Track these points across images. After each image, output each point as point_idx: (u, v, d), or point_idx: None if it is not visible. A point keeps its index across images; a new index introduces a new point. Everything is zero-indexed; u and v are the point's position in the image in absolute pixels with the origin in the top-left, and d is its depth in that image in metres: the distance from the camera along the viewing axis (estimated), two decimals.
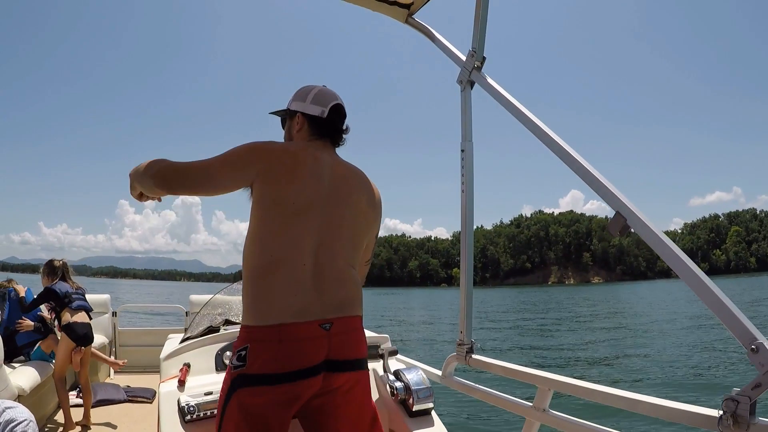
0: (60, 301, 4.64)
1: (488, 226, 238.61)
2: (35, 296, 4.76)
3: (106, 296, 6.79)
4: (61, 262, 4.92)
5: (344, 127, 1.97)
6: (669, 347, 16.04)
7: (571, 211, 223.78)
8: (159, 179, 1.70)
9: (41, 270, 4.90)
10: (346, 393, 1.74)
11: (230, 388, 1.65)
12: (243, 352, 1.63)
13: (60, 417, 4.59)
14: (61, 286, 4.71)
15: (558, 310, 36.11)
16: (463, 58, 2.54)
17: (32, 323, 4.77)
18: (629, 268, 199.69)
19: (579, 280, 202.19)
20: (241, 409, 1.62)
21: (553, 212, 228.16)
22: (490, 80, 2.41)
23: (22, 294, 4.78)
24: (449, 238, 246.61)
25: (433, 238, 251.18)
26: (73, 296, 4.71)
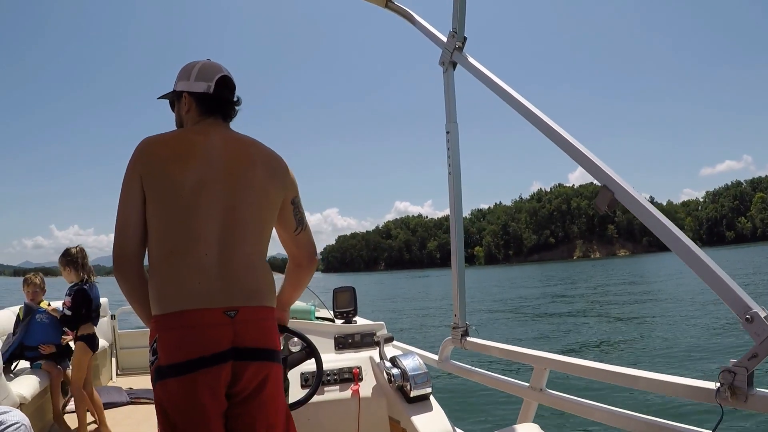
0: (90, 314, 4.34)
1: (507, 202, 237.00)
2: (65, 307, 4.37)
3: (103, 300, 6.62)
4: (77, 248, 4.45)
5: (235, 99, 1.92)
6: (678, 319, 15.90)
7: (591, 183, 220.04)
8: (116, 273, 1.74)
9: (60, 262, 4.43)
10: (259, 387, 1.69)
11: (153, 384, 1.65)
12: (155, 344, 1.63)
13: (69, 422, 4.61)
14: (94, 294, 4.38)
15: (571, 287, 35.79)
16: (444, 39, 2.57)
17: (54, 347, 4.58)
18: (656, 239, 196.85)
19: (605, 253, 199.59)
20: (160, 406, 1.62)
21: (573, 185, 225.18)
22: (471, 60, 2.44)
23: (57, 314, 4.46)
24: (468, 216, 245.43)
25: None
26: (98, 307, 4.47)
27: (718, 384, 1.43)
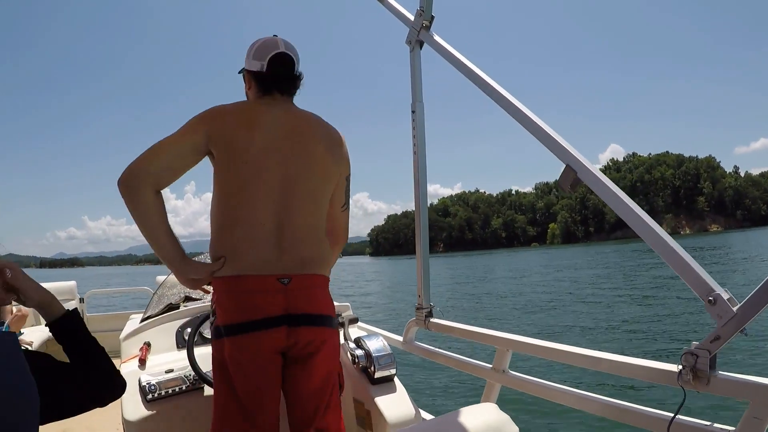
0: None
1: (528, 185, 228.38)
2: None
3: (71, 283, 7.20)
4: None
5: (294, 74, 2.08)
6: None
7: (667, 152, 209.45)
8: (122, 185, 1.78)
9: None
10: (314, 351, 1.90)
11: (212, 342, 1.90)
12: (214, 306, 1.88)
13: None
14: None
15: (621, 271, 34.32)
16: (412, 17, 2.70)
17: None
18: (749, 212, 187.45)
19: (695, 229, 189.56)
20: (217, 361, 1.87)
21: (649, 153, 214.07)
22: (438, 39, 2.57)
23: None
24: (532, 191, 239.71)
25: (514, 192, 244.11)
26: None
27: (680, 366, 1.53)
